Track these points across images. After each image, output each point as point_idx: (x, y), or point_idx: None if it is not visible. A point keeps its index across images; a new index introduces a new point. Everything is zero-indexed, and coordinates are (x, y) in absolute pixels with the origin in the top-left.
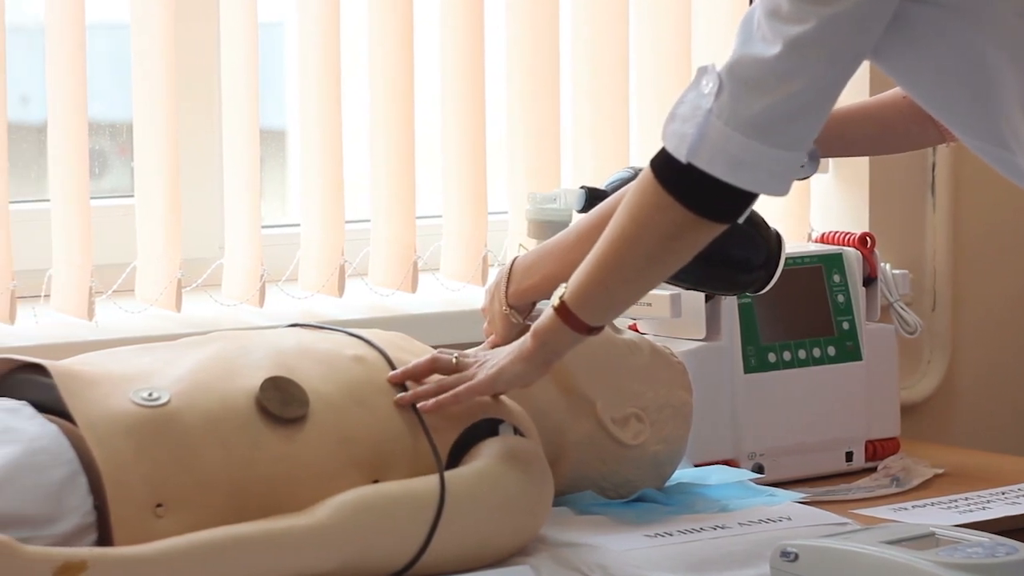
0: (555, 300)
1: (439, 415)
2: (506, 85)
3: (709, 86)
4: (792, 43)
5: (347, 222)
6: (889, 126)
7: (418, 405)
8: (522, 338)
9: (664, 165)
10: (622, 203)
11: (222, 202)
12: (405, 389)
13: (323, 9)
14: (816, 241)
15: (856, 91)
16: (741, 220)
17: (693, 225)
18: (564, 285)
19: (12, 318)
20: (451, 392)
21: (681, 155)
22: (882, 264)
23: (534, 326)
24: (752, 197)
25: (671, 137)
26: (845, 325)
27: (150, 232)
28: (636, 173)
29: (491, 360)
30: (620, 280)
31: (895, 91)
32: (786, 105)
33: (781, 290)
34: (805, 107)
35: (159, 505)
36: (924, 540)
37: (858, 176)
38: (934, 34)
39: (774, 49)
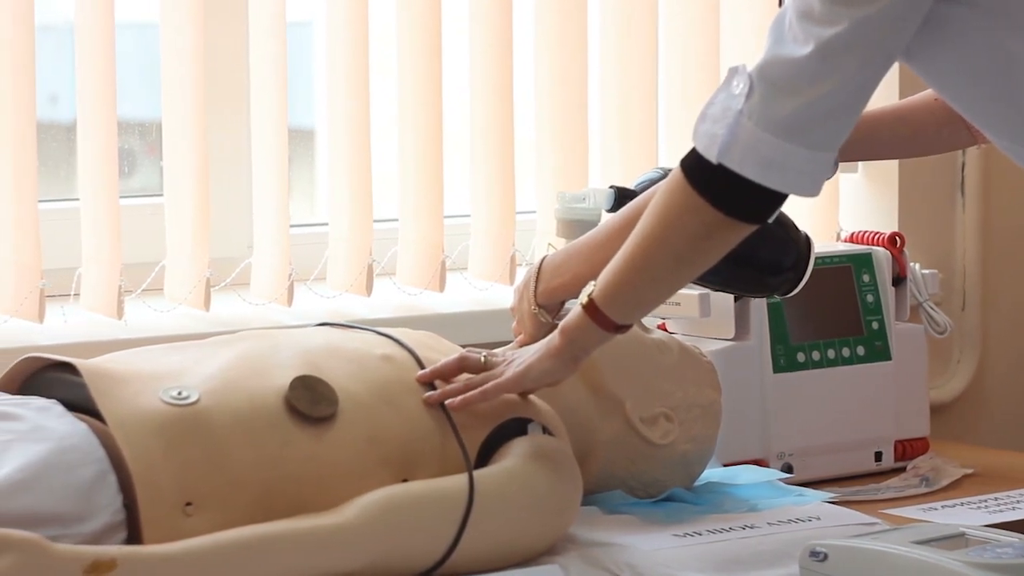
0: (583, 298)
1: (468, 414)
2: (534, 84)
3: (740, 87)
4: (824, 45)
5: (375, 221)
6: (920, 128)
7: (446, 403)
8: (550, 335)
9: (694, 166)
10: (651, 202)
11: (251, 201)
12: (434, 388)
13: (351, 8)
14: (845, 241)
15: (886, 93)
16: (770, 221)
17: (723, 226)
18: (593, 283)
19: (41, 317)
20: (479, 389)
21: (712, 155)
22: (911, 264)
23: (562, 323)
24: (782, 198)
25: (702, 137)
26: (874, 325)
27: (179, 231)
28: (665, 173)
29: (519, 358)
30: (648, 280)
31: (926, 93)
32: (817, 106)
33: (810, 290)
34: (836, 108)
35: (188, 504)
36: (954, 540)
37: (887, 176)
38: (966, 35)
39: (805, 50)
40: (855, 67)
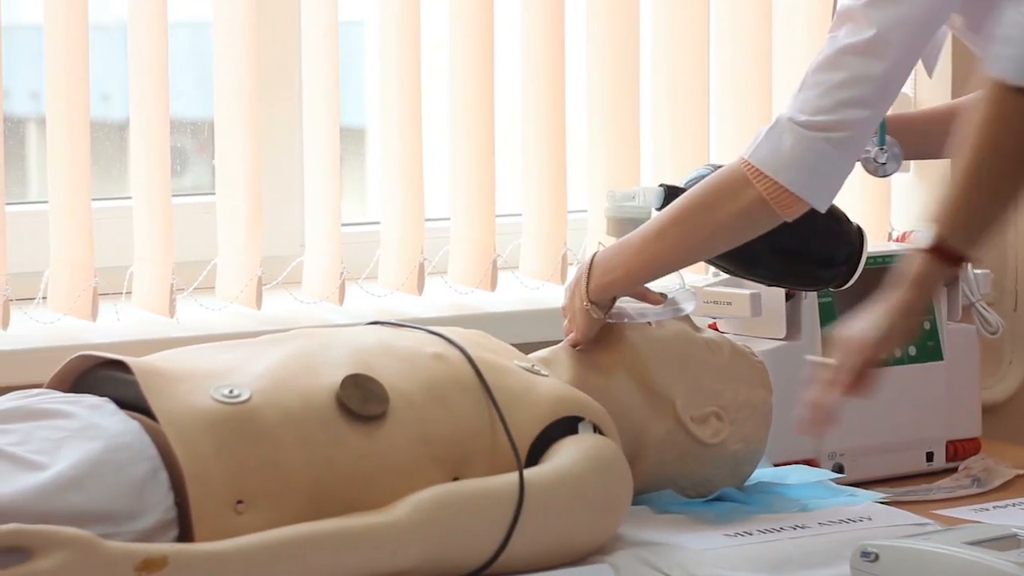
0: (923, 244)
1: (517, 414)
2: (586, 83)
3: None
4: None
5: (427, 220)
6: None
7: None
8: (888, 296)
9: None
10: (971, 111)
11: (302, 200)
12: (486, 387)
13: (403, 8)
14: (897, 240)
15: (939, 93)
16: (822, 212)
17: None
18: (914, 231)
19: (94, 315)
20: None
21: None
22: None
23: (910, 277)
24: None
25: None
26: (926, 325)
27: (231, 230)
28: (714, 170)
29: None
30: (988, 193)
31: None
32: None
33: (862, 289)
34: None
35: (239, 502)
36: (1006, 541)
37: (939, 175)
38: None
39: None
40: None
